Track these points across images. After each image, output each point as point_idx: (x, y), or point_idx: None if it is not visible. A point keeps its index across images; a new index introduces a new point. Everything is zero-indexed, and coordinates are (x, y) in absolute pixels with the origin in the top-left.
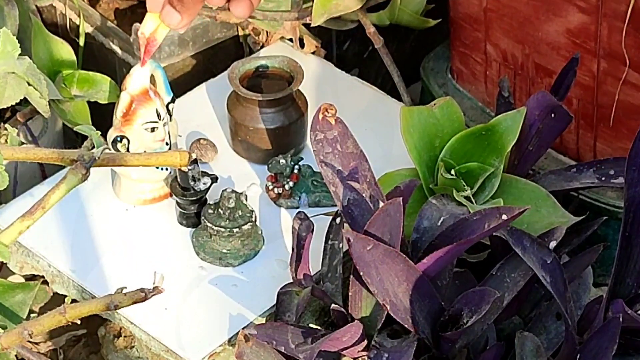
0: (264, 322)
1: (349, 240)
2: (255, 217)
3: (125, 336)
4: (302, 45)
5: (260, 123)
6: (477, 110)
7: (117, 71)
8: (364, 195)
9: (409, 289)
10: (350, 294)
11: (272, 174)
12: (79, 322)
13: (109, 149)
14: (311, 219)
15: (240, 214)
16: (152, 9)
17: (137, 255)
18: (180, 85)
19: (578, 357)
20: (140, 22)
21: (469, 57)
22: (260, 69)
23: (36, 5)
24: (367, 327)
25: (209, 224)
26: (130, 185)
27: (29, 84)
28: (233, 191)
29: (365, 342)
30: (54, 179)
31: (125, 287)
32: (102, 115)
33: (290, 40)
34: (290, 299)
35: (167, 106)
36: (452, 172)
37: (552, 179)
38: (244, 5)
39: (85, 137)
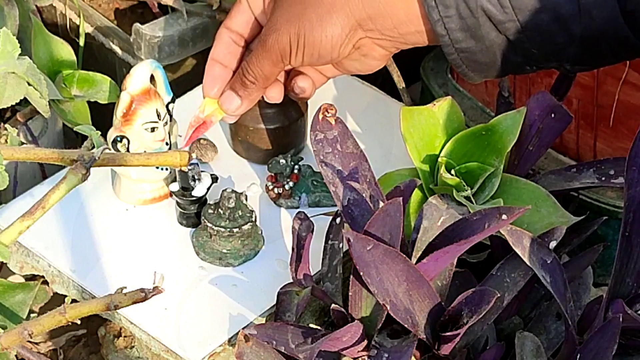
0: (264, 322)
1: (349, 240)
2: (255, 217)
3: (125, 336)
4: None
5: (260, 123)
6: (477, 110)
7: (117, 71)
8: (364, 195)
9: (409, 289)
10: (350, 294)
11: (272, 174)
12: (79, 322)
13: (109, 149)
14: (311, 219)
15: (240, 214)
16: (209, 94)
17: (137, 255)
18: (180, 85)
19: (578, 357)
20: (140, 22)
21: None
22: None
23: (36, 5)
24: (367, 327)
25: (209, 224)
26: (130, 185)
27: (29, 84)
28: (233, 191)
29: (365, 342)
30: (54, 179)
31: (125, 287)
32: (102, 115)
33: None
34: (290, 299)
35: (167, 106)
36: (452, 172)
37: (552, 179)
38: (279, 89)
39: (85, 137)
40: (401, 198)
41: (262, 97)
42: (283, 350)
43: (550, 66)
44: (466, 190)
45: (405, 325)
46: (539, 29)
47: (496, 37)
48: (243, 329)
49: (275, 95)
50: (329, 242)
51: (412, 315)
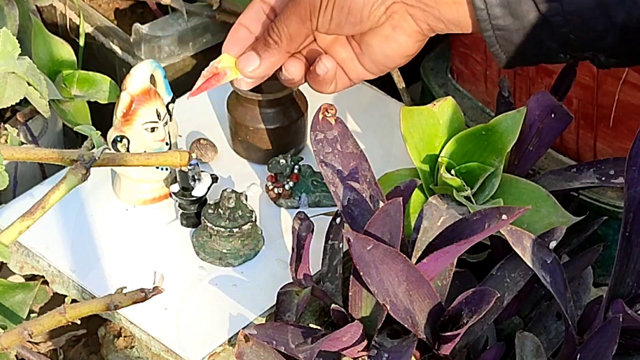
0: (264, 322)
1: (349, 240)
2: (255, 217)
3: (125, 336)
4: None
5: (260, 123)
6: (477, 110)
7: (117, 71)
8: (364, 195)
9: (409, 289)
10: (350, 294)
11: (272, 174)
12: (79, 322)
13: (109, 149)
14: (311, 219)
15: (240, 214)
16: (228, 50)
17: (137, 255)
18: (180, 85)
19: (578, 357)
20: (140, 22)
21: (469, 57)
22: None
23: (36, 5)
24: (367, 327)
25: (209, 224)
26: (130, 185)
27: (29, 84)
28: (233, 191)
29: (365, 342)
30: (54, 179)
31: (125, 287)
32: (102, 115)
33: None
34: (290, 299)
35: (167, 106)
36: (452, 172)
37: (552, 179)
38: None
39: (85, 137)
40: (401, 198)
41: (262, 96)
42: (283, 350)
43: (584, 56)
44: (466, 190)
45: (405, 325)
46: (581, 13)
47: (535, 18)
48: (243, 329)
49: (294, 70)
50: (329, 242)
51: (412, 315)
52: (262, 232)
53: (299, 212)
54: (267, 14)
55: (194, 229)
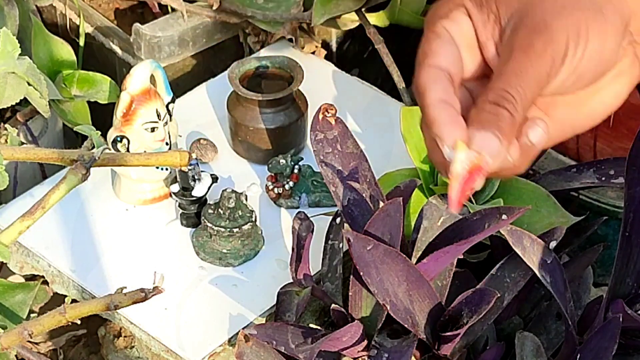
0: (264, 322)
1: (349, 240)
2: (255, 217)
3: (125, 336)
4: (302, 45)
5: (260, 123)
6: None
7: (117, 71)
8: (364, 195)
9: (409, 289)
10: (350, 294)
11: (272, 174)
12: (79, 322)
13: (109, 149)
14: (311, 219)
15: (240, 214)
16: (452, 135)
17: (137, 255)
18: (180, 85)
19: (578, 357)
20: (140, 22)
21: None
22: (260, 69)
23: (36, 5)
24: (367, 327)
25: (209, 224)
26: (130, 185)
27: (29, 84)
28: (233, 191)
29: (365, 342)
30: (54, 179)
31: (125, 287)
32: (102, 115)
33: (290, 40)
34: (290, 299)
35: (167, 106)
36: None
37: (552, 179)
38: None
39: (85, 137)
40: (401, 198)
41: (262, 96)
42: (283, 350)
43: None
44: None
45: (405, 325)
46: None
47: None
48: (243, 329)
49: (515, 151)
50: (329, 242)
51: (412, 315)
52: (262, 232)
53: (299, 212)
54: (450, 81)
55: (194, 229)
